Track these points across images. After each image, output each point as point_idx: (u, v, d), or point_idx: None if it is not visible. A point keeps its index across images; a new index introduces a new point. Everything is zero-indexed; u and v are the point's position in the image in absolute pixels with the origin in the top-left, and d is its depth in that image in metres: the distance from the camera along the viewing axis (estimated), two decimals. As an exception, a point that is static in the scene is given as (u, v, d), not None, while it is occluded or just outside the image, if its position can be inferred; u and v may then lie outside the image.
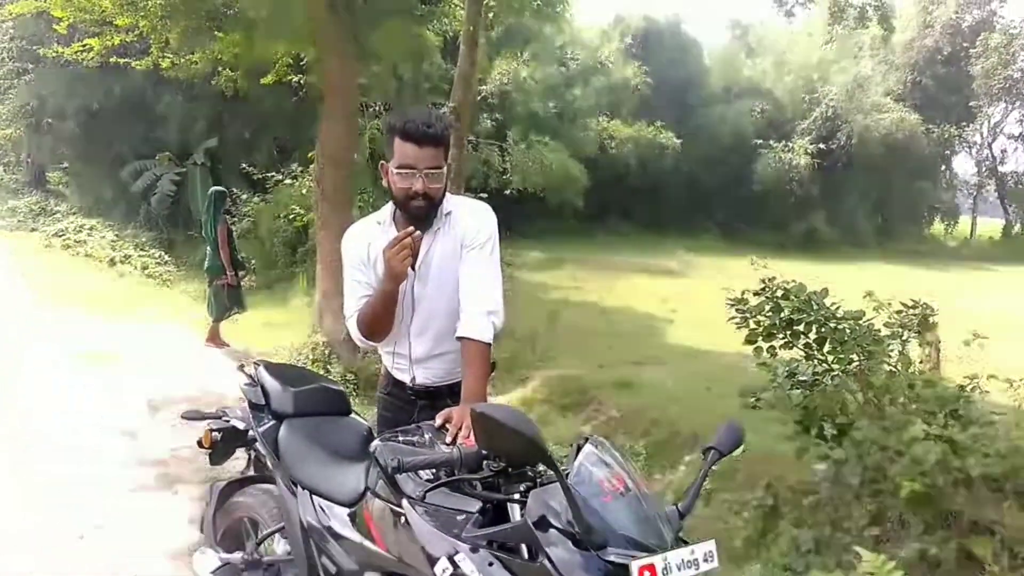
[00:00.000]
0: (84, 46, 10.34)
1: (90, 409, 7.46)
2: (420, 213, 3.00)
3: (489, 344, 2.95)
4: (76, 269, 16.78)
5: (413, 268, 3.01)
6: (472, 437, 2.24)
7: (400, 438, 2.61)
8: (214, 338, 10.54)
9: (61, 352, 9.51)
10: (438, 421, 2.69)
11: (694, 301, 15.14)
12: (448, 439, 2.51)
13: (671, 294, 16.17)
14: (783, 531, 5.07)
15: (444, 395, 3.16)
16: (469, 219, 3.12)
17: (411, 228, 2.93)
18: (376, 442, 2.52)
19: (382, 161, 3.09)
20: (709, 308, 13.56)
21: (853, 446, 4.38)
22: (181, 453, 6.39)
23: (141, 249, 18.58)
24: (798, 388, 4.66)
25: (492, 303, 3.00)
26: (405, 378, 3.26)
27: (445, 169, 3.01)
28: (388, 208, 3.20)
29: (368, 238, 3.17)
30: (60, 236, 19.37)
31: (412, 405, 3.24)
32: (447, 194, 3.15)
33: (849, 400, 4.62)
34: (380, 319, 3.09)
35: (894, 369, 4.53)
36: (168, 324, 12.08)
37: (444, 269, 3.09)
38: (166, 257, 18.49)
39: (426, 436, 2.59)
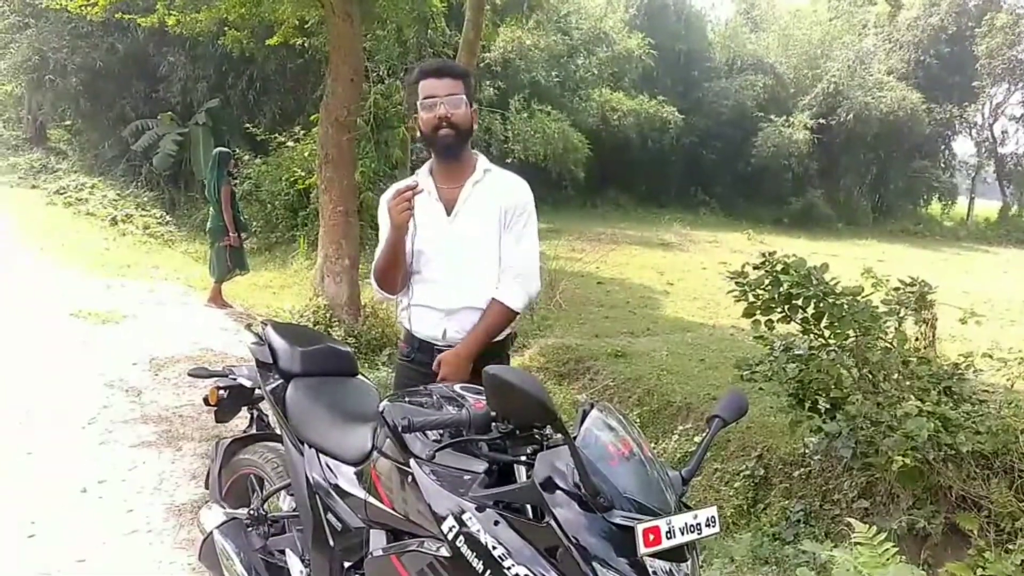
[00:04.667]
0: (88, 0, 10.17)
1: (92, 366, 7.49)
2: (448, 141, 3.11)
3: (515, 311, 3.17)
4: (78, 227, 16.72)
5: (451, 219, 3.19)
6: (482, 399, 2.29)
7: (408, 399, 2.62)
8: (216, 298, 10.58)
9: (64, 309, 9.52)
10: (435, 366, 2.98)
11: (690, 274, 15.27)
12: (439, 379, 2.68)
13: (668, 267, 16.27)
14: (774, 501, 5.17)
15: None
16: (512, 189, 3.26)
17: (413, 182, 3.08)
18: (384, 402, 2.53)
19: (415, 115, 3.19)
20: (705, 281, 13.84)
21: (846, 420, 4.45)
22: (184, 411, 6.47)
23: (142, 208, 18.53)
24: (794, 362, 4.71)
25: (529, 274, 3.21)
26: (436, 333, 3.23)
27: (466, 104, 3.12)
28: (427, 165, 3.31)
29: None
30: (61, 194, 19.25)
31: (435, 376, 3.13)
32: (485, 158, 3.30)
33: (844, 375, 4.67)
34: (387, 268, 3.23)
35: (890, 346, 4.58)
36: (170, 284, 12.11)
37: (477, 220, 3.18)
38: (167, 217, 18.47)
39: (434, 397, 2.59)
